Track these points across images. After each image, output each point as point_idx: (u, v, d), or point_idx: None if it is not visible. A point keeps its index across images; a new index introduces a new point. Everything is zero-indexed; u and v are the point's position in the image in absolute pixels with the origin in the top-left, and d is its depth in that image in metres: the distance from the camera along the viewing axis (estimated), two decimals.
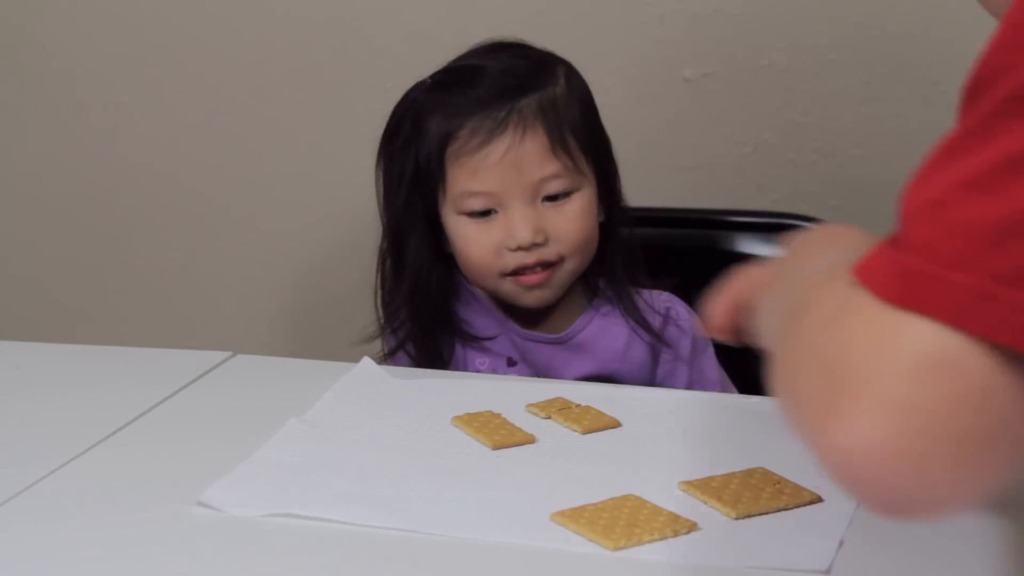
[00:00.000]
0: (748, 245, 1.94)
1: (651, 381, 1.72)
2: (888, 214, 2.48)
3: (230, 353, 1.61)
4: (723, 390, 1.73)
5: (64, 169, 2.43)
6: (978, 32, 2.32)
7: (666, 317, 1.73)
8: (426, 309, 1.71)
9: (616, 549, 1.17)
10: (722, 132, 2.19)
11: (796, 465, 1.30)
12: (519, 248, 1.66)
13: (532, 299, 1.70)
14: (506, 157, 1.65)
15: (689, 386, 1.71)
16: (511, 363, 1.72)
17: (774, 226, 1.94)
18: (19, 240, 2.48)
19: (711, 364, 1.76)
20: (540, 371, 1.71)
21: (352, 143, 2.30)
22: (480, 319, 1.73)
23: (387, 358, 1.73)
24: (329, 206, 2.34)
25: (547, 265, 1.67)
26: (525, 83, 1.68)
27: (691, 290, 1.79)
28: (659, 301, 1.74)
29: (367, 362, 1.55)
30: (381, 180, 1.73)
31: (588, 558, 1.16)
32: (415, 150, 1.69)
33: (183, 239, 2.42)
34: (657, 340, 1.72)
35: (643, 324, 1.72)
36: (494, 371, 1.71)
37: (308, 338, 2.39)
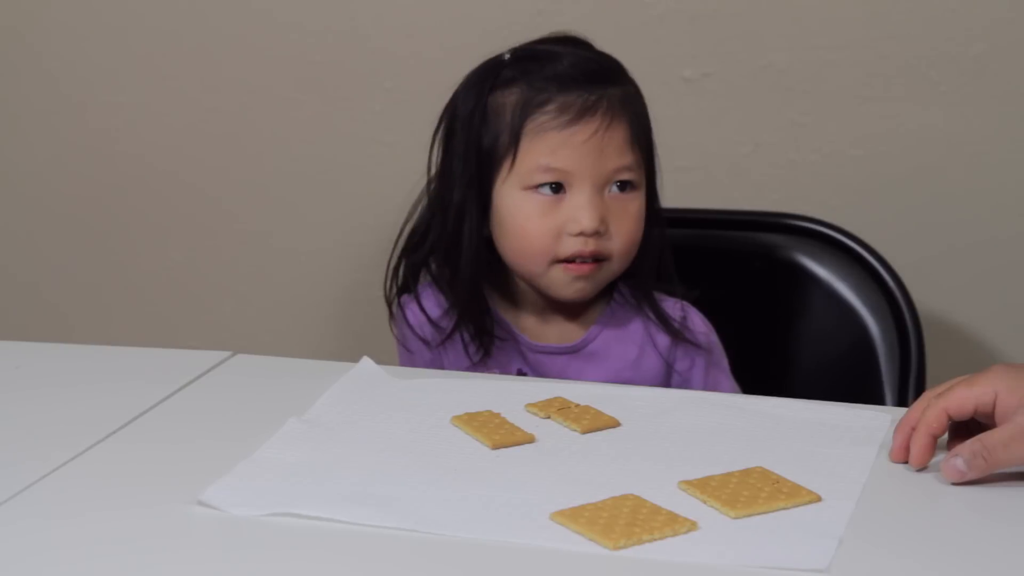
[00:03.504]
0: (747, 245, 1.94)
1: None
2: (887, 214, 2.47)
3: (230, 353, 1.61)
4: None
5: (64, 169, 2.43)
6: (977, 33, 2.32)
7: (682, 325, 1.72)
8: (471, 277, 1.69)
9: (616, 548, 1.17)
10: (721, 132, 2.19)
11: (795, 465, 1.30)
12: (581, 234, 1.65)
13: (573, 291, 1.68)
14: (592, 140, 1.64)
15: None
16: (520, 374, 1.70)
17: (774, 226, 1.94)
18: (18, 240, 2.48)
19: (725, 376, 1.74)
20: None
21: (352, 143, 2.31)
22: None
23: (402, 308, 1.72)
24: (329, 206, 2.33)
25: (599, 259, 1.66)
26: (609, 74, 1.69)
27: (691, 290, 1.78)
28: (674, 309, 1.73)
29: (367, 362, 1.55)
30: (439, 150, 1.71)
31: (588, 557, 1.16)
32: (483, 120, 1.67)
33: (183, 239, 2.42)
34: (679, 338, 1.70)
35: (664, 323, 1.70)
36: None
37: (308, 338, 2.39)
